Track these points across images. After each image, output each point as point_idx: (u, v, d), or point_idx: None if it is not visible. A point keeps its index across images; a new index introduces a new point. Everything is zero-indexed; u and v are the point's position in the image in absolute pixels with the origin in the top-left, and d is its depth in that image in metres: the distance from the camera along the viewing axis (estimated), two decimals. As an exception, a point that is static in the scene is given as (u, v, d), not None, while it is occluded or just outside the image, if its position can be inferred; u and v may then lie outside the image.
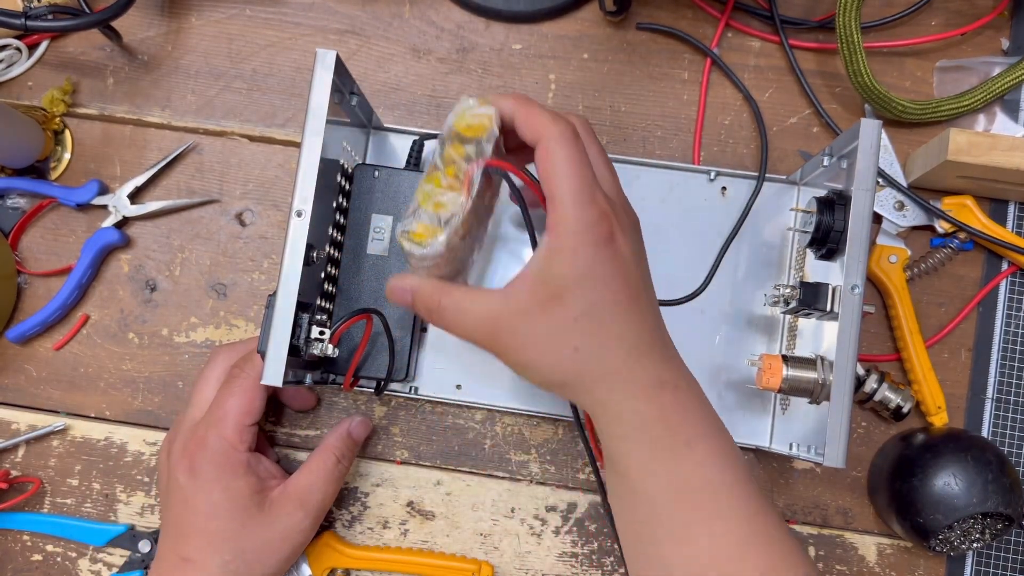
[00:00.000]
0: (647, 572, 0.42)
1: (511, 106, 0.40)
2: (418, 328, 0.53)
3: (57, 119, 0.58)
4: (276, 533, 0.47)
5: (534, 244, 0.42)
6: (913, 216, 0.54)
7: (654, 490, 0.40)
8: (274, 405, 0.56)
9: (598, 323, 0.39)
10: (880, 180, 0.54)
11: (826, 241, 0.48)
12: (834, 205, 0.47)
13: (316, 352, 0.43)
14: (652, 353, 0.40)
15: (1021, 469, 0.54)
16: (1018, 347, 0.55)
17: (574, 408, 0.46)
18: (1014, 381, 0.54)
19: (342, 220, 0.51)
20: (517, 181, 0.40)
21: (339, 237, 0.50)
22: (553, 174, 0.38)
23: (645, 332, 0.40)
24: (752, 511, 0.40)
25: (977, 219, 0.54)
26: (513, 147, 0.43)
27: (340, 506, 0.55)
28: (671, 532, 0.40)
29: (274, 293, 0.42)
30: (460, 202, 0.39)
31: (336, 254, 0.50)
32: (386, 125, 0.55)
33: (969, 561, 0.54)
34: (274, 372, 0.41)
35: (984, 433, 0.54)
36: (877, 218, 0.54)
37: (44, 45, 0.59)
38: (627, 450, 0.41)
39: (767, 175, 0.55)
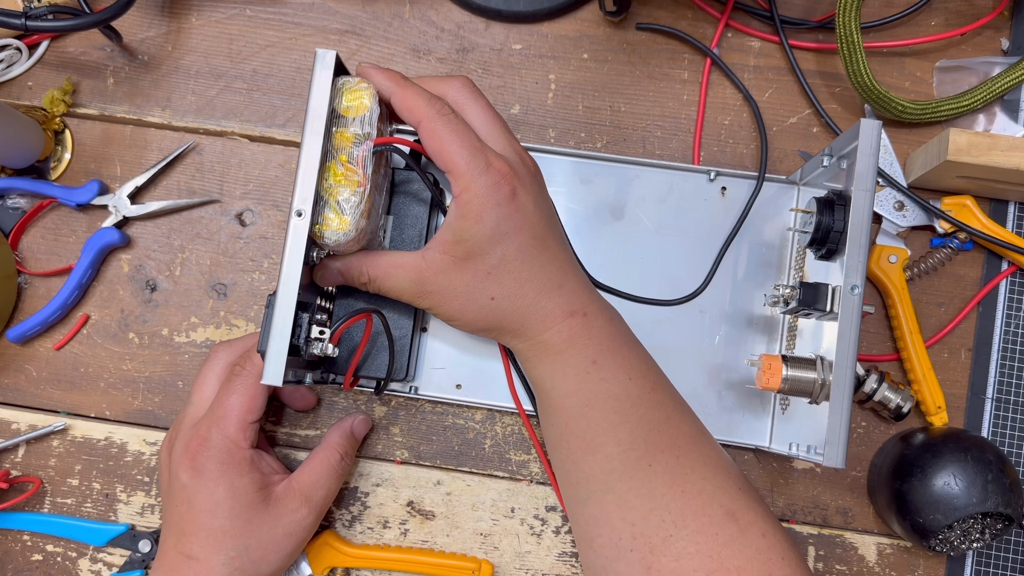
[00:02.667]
0: (568, 482, 0.46)
1: (387, 86, 0.43)
2: (418, 328, 0.53)
3: (57, 119, 0.58)
4: (280, 529, 0.47)
5: (443, 210, 0.48)
6: (913, 216, 0.54)
7: (566, 406, 0.45)
8: (274, 405, 0.56)
9: (508, 273, 0.44)
10: (880, 180, 0.54)
11: (826, 241, 0.48)
12: (834, 205, 0.47)
13: (316, 352, 0.43)
14: (561, 288, 0.45)
15: (1021, 469, 0.54)
16: (1018, 347, 0.55)
17: (503, 348, 0.53)
18: (1014, 381, 0.54)
19: (342, 220, 0.51)
20: (406, 149, 0.44)
21: (339, 237, 0.51)
22: (441, 152, 0.42)
23: (553, 271, 0.45)
24: (662, 418, 0.44)
25: (977, 219, 0.54)
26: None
27: (340, 506, 0.55)
28: (582, 442, 0.44)
29: (274, 293, 0.42)
30: (359, 191, 0.42)
31: (336, 254, 0.50)
32: (386, 125, 0.55)
33: (969, 561, 0.54)
34: (274, 372, 0.41)
35: (984, 433, 0.54)
36: (877, 218, 0.54)
37: (44, 45, 0.59)
38: (542, 374, 0.46)
39: (767, 175, 0.55)
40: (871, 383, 0.52)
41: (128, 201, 0.57)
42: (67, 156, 0.58)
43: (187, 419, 0.49)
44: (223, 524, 0.46)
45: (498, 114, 0.46)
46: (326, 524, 0.55)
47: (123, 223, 0.57)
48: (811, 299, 0.46)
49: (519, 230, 0.43)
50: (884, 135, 0.55)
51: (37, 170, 0.58)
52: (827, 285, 0.46)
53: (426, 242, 0.51)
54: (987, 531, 0.50)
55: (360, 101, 0.43)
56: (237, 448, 0.46)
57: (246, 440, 0.47)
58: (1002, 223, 0.55)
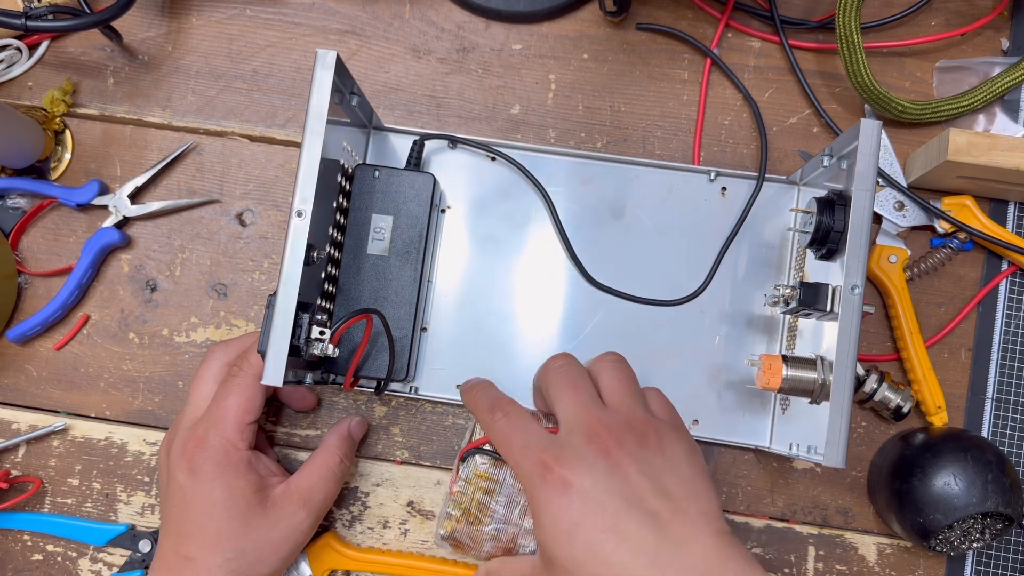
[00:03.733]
0: None
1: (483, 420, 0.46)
2: (418, 328, 0.53)
3: (57, 119, 0.58)
4: (278, 532, 0.47)
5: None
6: (913, 216, 0.54)
7: None
8: (274, 405, 0.56)
9: None
10: (880, 180, 0.54)
11: (826, 241, 0.48)
12: (834, 205, 0.47)
13: (316, 352, 0.43)
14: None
15: (1021, 469, 0.54)
16: (1018, 347, 0.55)
17: None
18: (1014, 381, 0.54)
19: (342, 220, 0.51)
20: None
21: (339, 237, 0.51)
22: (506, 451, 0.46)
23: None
24: None
25: (977, 219, 0.54)
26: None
27: (340, 506, 0.55)
28: None
29: (274, 293, 0.42)
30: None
31: (336, 254, 0.50)
32: (386, 125, 0.55)
33: (969, 561, 0.54)
34: (274, 372, 0.41)
35: (984, 433, 0.54)
36: (877, 218, 0.54)
37: (44, 45, 0.59)
38: None
39: (767, 175, 0.55)
40: (871, 383, 0.52)
41: (128, 201, 0.57)
42: (67, 156, 0.58)
43: (185, 419, 0.48)
44: (220, 526, 0.45)
45: (632, 377, 0.46)
46: (326, 525, 0.55)
47: (123, 223, 0.57)
48: (811, 299, 0.46)
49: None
50: (884, 135, 0.55)
51: (37, 170, 0.58)
52: (827, 285, 0.46)
53: (426, 242, 0.51)
54: (987, 531, 0.50)
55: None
56: (234, 449, 0.46)
57: (243, 441, 0.47)
58: (1002, 223, 0.55)
